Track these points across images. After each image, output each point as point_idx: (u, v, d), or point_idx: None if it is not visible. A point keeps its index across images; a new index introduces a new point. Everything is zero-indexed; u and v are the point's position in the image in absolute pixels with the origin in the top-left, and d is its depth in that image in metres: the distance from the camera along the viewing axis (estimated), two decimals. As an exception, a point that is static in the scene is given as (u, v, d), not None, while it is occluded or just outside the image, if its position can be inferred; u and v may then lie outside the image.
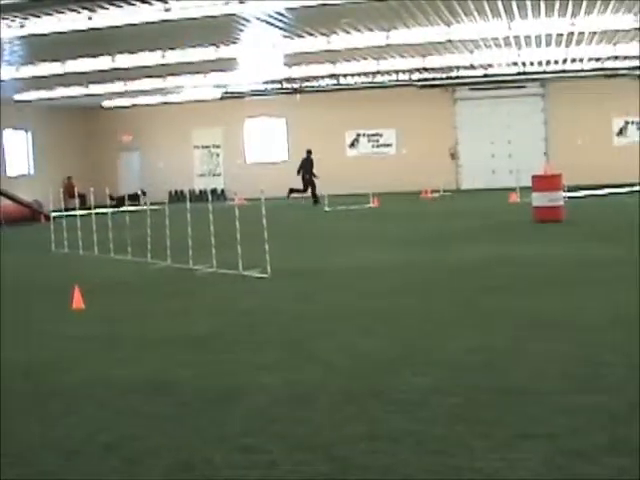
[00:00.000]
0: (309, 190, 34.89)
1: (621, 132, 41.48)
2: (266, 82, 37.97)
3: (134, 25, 20.06)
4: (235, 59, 29.52)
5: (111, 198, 32.93)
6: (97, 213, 20.93)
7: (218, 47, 26.73)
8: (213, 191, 39.10)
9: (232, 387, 6.78)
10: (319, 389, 6.59)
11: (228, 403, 6.34)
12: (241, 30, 23.78)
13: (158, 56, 27.04)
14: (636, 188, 34.39)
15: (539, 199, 21.07)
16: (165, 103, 42.54)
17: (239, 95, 40.35)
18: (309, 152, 35.00)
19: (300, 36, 25.78)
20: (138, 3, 18.65)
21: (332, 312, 9.99)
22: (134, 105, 42.76)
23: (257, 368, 7.37)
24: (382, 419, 5.77)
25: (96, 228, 19.33)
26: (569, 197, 26.95)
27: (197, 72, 33.05)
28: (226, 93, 39.93)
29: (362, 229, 22.19)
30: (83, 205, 29.75)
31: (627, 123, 41.33)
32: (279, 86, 38.48)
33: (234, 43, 26.10)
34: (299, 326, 9.29)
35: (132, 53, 26.56)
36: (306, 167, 34.91)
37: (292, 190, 35.86)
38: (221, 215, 15.66)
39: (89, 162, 44.87)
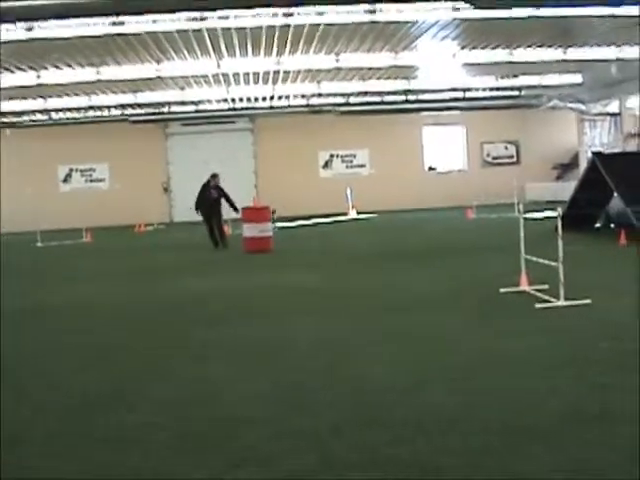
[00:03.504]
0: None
1: (326, 165, 43.75)
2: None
3: None
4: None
5: None
6: None
7: None
8: None
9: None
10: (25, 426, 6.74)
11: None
12: (-53, 64, 23.35)
13: None
14: (342, 218, 36.49)
15: (249, 230, 21.87)
16: None
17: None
18: (214, 176, 24.30)
19: (9, 70, 25.58)
20: None
21: (44, 351, 9.78)
22: None
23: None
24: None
25: None
26: (278, 228, 28.20)
27: None
28: None
29: (77, 264, 21.86)
30: None
31: (332, 156, 43.70)
32: (-13, 121, 37.58)
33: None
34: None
35: None
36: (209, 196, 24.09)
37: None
38: None
39: None
